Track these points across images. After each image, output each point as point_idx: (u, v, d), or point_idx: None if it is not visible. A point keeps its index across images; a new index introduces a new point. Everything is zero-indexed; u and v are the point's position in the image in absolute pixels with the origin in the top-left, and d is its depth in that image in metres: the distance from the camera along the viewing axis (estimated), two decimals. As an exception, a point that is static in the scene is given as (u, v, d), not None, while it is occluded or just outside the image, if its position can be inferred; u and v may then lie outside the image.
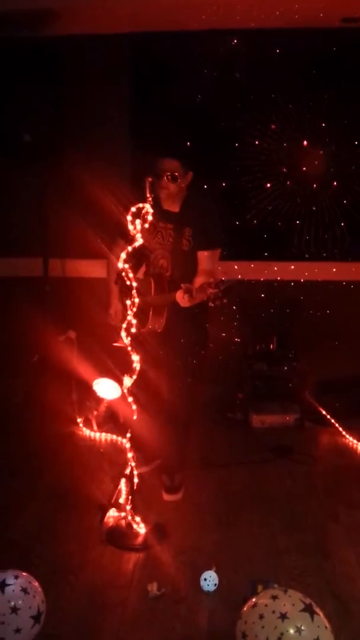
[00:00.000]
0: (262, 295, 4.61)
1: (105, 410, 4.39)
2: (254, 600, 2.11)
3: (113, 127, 4.60)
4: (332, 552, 2.96)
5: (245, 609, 2.10)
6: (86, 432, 4.35)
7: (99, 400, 4.40)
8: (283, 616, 1.98)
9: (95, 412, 4.39)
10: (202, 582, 2.64)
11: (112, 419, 4.38)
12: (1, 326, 4.58)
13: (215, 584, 2.64)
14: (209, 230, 3.25)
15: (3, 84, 4.06)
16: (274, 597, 2.06)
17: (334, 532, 3.14)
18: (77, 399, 4.44)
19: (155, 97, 4.51)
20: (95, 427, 4.35)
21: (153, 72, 4.49)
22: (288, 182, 4.57)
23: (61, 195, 4.46)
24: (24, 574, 2.28)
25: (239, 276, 4.44)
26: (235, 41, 4.30)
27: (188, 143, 3.80)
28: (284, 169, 4.56)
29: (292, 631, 1.96)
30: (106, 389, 4.32)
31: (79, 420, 4.42)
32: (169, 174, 3.15)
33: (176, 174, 3.16)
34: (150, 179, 2.99)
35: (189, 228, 3.25)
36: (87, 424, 4.39)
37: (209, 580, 2.63)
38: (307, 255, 4.63)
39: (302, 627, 1.97)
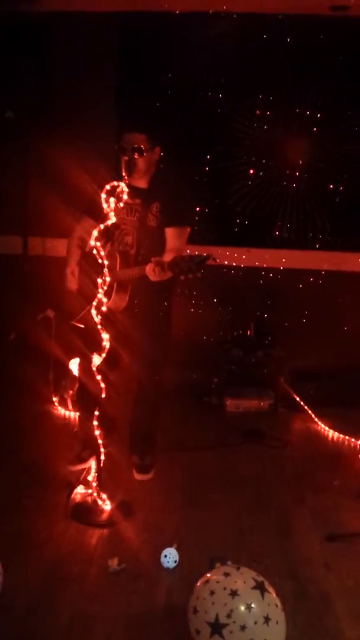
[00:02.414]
0: (241, 281, 4.62)
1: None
2: (207, 576, 2.14)
3: (98, 106, 4.56)
4: (294, 534, 3.00)
5: (198, 584, 2.13)
6: (61, 411, 4.37)
7: (75, 379, 4.40)
8: (234, 593, 2.01)
9: (70, 392, 4.39)
10: (163, 559, 2.67)
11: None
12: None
13: (175, 561, 2.67)
14: (177, 207, 3.19)
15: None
16: (226, 574, 2.08)
17: (298, 514, 3.18)
18: (54, 377, 4.45)
19: (141, 78, 4.48)
20: (70, 406, 4.36)
21: (139, 53, 4.46)
22: (270, 169, 4.57)
23: (43, 173, 4.42)
24: (-18, 545, 2.30)
25: (217, 260, 4.44)
26: (222, 24, 4.29)
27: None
28: (268, 155, 4.56)
29: (242, 608, 1.98)
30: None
31: (54, 399, 4.43)
32: (135, 147, 3.07)
33: (142, 146, 3.09)
34: (126, 158, 2.98)
35: (157, 203, 3.18)
36: (63, 403, 4.40)
37: (169, 557, 2.66)
38: (287, 243, 4.63)
39: (252, 605, 1.99)
